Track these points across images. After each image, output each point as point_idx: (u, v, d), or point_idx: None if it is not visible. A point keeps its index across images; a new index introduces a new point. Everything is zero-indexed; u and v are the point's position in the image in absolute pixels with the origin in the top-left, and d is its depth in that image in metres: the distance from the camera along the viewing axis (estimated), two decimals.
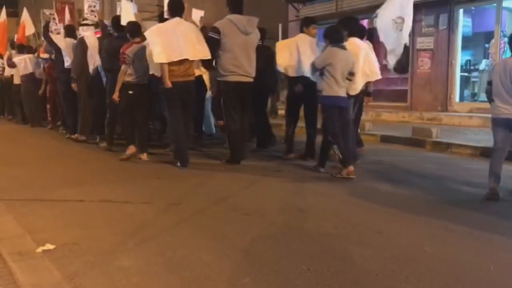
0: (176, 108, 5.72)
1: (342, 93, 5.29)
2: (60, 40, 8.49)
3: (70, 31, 8.59)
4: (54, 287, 2.42)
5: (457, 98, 11.10)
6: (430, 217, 3.76)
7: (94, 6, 10.06)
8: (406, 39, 6.20)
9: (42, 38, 10.43)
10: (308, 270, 2.64)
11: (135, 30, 6.29)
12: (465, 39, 11.10)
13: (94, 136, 7.77)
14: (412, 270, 2.66)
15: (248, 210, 3.90)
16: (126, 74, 6.10)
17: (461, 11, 10.83)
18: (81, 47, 7.67)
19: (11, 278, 2.53)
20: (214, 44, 5.74)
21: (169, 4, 6.06)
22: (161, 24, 6.20)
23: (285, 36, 14.68)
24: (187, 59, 5.62)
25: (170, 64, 5.50)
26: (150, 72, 5.97)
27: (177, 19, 5.79)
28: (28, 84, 10.54)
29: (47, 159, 6.60)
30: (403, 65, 11.30)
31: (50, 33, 9.08)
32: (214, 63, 5.97)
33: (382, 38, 6.30)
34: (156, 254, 2.88)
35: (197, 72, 6.24)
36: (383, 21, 6.22)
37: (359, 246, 3.04)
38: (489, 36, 10.90)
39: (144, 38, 5.98)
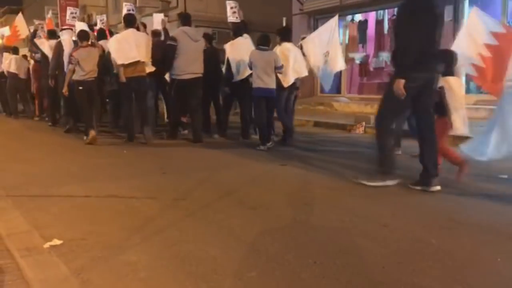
0: (129, 97, 7.45)
1: (264, 85, 6.67)
2: (44, 43, 9.83)
3: (51, 35, 10.04)
4: (62, 282, 2.43)
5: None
6: (436, 209, 3.76)
7: (76, 13, 12.21)
8: (337, 66, 7.88)
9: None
10: (315, 264, 2.64)
11: (83, 36, 7.76)
12: None
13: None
14: (419, 262, 2.65)
15: (254, 204, 3.90)
16: (75, 73, 7.48)
17: (466, 2, 10.74)
18: (58, 49, 8.88)
19: (19, 274, 2.55)
20: (172, 49, 7.23)
21: (124, 19, 7.64)
22: (119, 34, 7.74)
23: None
24: (138, 61, 7.22)
25: (125, 64, 7.15)
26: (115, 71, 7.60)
27: (131, 29, 7.38)
28: (13, 80, 11.87)
29: (53, 155, 6.63)
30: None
31: (35, 39, 10.35)
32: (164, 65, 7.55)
33: (313, 67, 7.87)
34: (163, 249, 2.89)
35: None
36: (316, 55, 7.78)
37: (365, 239, 3.04)
38: None
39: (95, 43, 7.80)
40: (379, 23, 13.28)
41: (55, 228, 3.27)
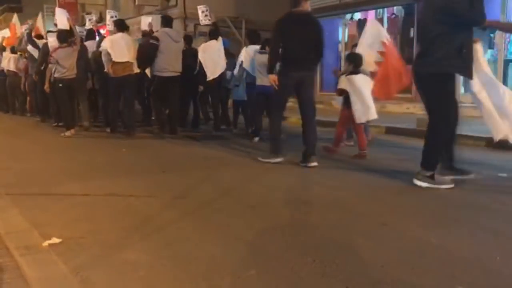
0: (117, 93, 8.28)
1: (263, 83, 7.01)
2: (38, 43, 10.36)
3: (39, 38, 10.79)
4: (61, 281, 2.43)
5: (462, 89, 11.02)
6: (435, 207, 3.76)
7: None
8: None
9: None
10: (314, 262, 2.64)
11: (62, 37, 8.35)
12: None
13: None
14: (418, 261, 2.65)
15: (253, 202, 3.90)
16: (56, 71, 8.15)
17: None
18: (43, 50, 9.56)
19: (18, 272, 2.54)
20: (154, 48, 7.91)
21: (116, 24, 8.48)
22: (112, 36, 8.42)
23: None
24: (128, 61, 8.04)
25: (116, 63, 7.94)
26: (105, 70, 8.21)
27: (122, 33, 8.17)
28: (12, 78, 12.44)
29: (52, 153, 6.63)
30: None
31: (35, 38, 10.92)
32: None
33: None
34: (162, 247, 2.89)
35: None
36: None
37: (364, 238, 3.04)
38: None
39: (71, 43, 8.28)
40: (378, 21, 13.27)
41: (54, 227, 3.26)
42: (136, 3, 19.26)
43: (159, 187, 4.49)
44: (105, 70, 8.20)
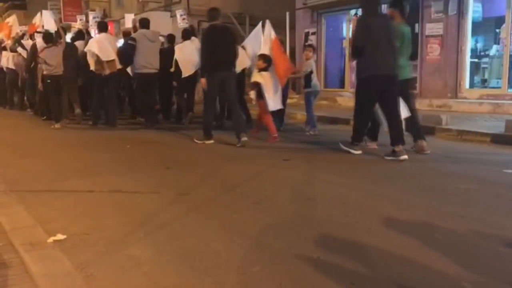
0: (102, 89, 9.01)
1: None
2: (29, 43, 11.38)
3: (32, 38, 11.77)
4: (65, 277, 2.43)
5: (467, 85, 10.98)
6: (440, 203, 3.74)
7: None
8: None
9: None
10: (318, 258, 2.63)
11: (47, 38, 9.25)
12: (475, 24, 10.92)
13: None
14: (422, 257, 2.64)
15: (257, 199, 3.90)
16: (44, 69, 8.91)
17: None
18: (32, 50, 10.36)
19: (23, 268, 2.55)
20: (132, 48, 8.75)
21: (98, 26, 9.65)
22: (97, 36, 9.36)
23: (292, 25, 14.61)
24: (112, 59, 8.80)
25: (102, 62, 8.68)
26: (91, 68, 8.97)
27: (105, 34, 9.17)
28: (11, 75, 13.07)
29: (56, 150, 6.64)
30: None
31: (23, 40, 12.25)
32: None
33: None
34: (166, 243, 2.89)
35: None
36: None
37: (369, 234, 3.03)
38: (500, 21, 10.72)
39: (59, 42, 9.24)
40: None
41: (59, 223, 3.27)
42: (55, 18, 19.18)
43: (163, 183, 4.50)
44: (91, 68, 8.95)
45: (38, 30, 11.73)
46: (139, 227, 3.19)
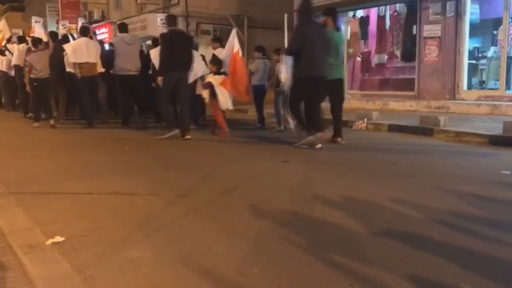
0: (85, 91, 9.51)
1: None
2: (14, 48, 12.52)
3: (21, 40, 12.73)
4: (64, 279, 2.43)
5: (465, 86, 11.01)
6: (439, 205, 3.74)
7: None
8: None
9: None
10: (317, 260, 2.63)
11: (35, 42, 10.14)
12: (473, 26, 10.95)
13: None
14: (421, 258, 2.65)
15: (256, 200, 3.90)
16: (31, 72, 9.32)
17: None
18: (23, 53, 10.99)
19: (21, 270, 2.55)
20: (111, 52, 9.55)
21: (79, 31, 10.40)
22: (75, 41, 10.10)
23: (290, 26, 14.62)
24: (89, 63, 9.35)
25: (80, 64, 9.25)
26: (67, 70, 9.63)
27: (84, 38, 9.71)
28: (5, 78, 13.52)
29: (55, 152, 6.63)
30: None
31: (8, 44, 13.58)
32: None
33: None
34: (165, 245, 2.89)
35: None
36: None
37: (368, 236, 3.03)
38: (497, 22, 10.76)
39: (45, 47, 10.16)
40: (381, 19, 13.23)
41: (57, 225, 3.27)
42: (138, 1, 19.26)
43: (161, 185, 4.49)
44: (68, 70, 9.59)
45: (31, 35, 12.73)
46: (138, 229, 3.18)
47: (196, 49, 9.63)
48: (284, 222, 3.34)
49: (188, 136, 7.51)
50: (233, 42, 8.35)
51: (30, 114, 10.75)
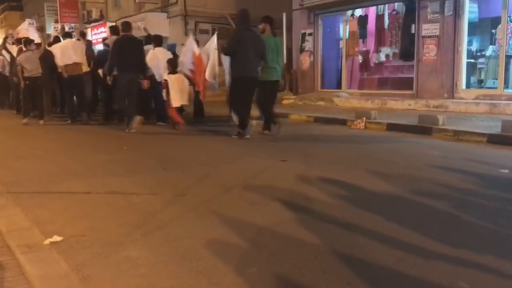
0: (71, 90, 10.29)
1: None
2: (13, 48, 12.84)
3: (18, 42, 12.81)
4: (62, 279, 2.43)
5: (463, 85, 11.02)
6: (438, 201, 3.74)
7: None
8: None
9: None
10: (315, 259, 2.63)
11: (26, 42, 10.40)
12: (472, 25, 10.97)
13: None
14: (419, 257, 2.64)
15: (254, 199, 3.90)
16: (24, 72, 9.78)
17: None
18: (17, 54, 11.33)
19: (19, 270, 2.54)
20: (105, 53, 9.87)
21: (64, 34, 11.34)
22: (61, 42, 10.74)
23: (289, 25, 14.63)
24: (76, 63, 9.95)
25: (66, 65, 9.88)
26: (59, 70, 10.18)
27: (70, 39, 10.51)
28: (1, 77, 14.07)
29: (53, 152, 6.63)
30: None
31: (7, 44, 13.86)
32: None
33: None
34: (163, 244, 2.89)
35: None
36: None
37: (366, 234, 3.03)
38: (496, 21, 10.77)
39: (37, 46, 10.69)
40: (379, 18, 13.24)
41: (56, 225, 3.26)
42: (137, 0, 19.25)
43: (160, 185, 4.49)
44: (59, 70, 10.13)
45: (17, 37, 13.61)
46: (136, 229, 3.18)
47: (174, 50, 10.69)
48: (283, 221, 3.33)
49: (133, 130, 8.30)
50: (194, 47, 9.22)
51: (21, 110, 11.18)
